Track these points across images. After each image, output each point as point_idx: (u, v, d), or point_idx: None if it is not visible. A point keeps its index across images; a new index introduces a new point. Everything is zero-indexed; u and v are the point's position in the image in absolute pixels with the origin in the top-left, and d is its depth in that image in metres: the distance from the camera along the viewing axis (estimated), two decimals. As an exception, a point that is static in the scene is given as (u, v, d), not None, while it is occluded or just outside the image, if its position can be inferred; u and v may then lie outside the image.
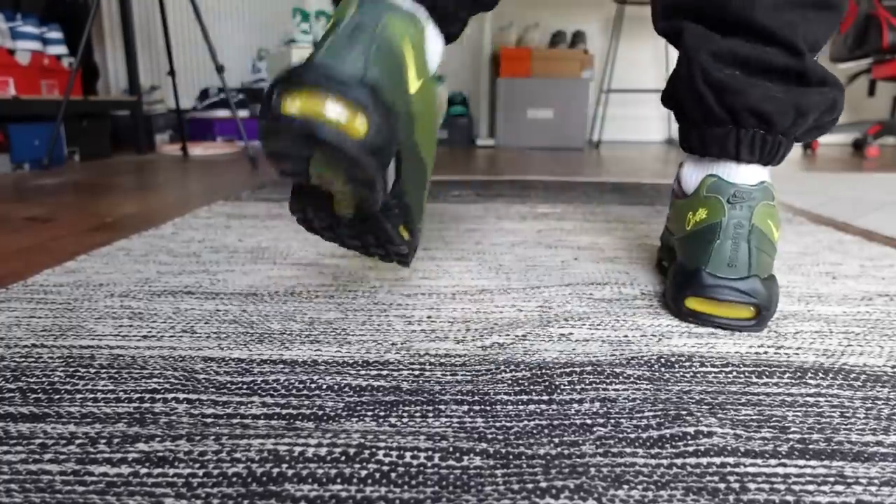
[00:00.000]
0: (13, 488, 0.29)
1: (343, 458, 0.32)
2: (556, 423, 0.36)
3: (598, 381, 0.41)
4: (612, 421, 0.36)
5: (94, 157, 2.00)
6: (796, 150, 2.63)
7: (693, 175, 0.59)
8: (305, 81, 0.38)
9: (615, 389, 0.40)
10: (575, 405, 0.38)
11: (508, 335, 0.49)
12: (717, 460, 0.32)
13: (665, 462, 0.32)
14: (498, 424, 0.35)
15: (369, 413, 0.37)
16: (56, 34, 1.94)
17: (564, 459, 0.32)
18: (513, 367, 0.43)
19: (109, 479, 0.30)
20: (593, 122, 2.92)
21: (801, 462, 0.32)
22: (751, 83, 0.53)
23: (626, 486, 0.30)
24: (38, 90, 1.85)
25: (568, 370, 0.42)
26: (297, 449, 0.33)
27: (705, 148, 0.57)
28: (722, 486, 0.30)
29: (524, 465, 0.31)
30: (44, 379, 0.40)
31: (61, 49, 1.96)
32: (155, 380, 0.41)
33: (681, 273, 0.53)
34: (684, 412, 0.37)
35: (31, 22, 1.83)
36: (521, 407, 0.37)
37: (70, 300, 0.56)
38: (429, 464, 0.31)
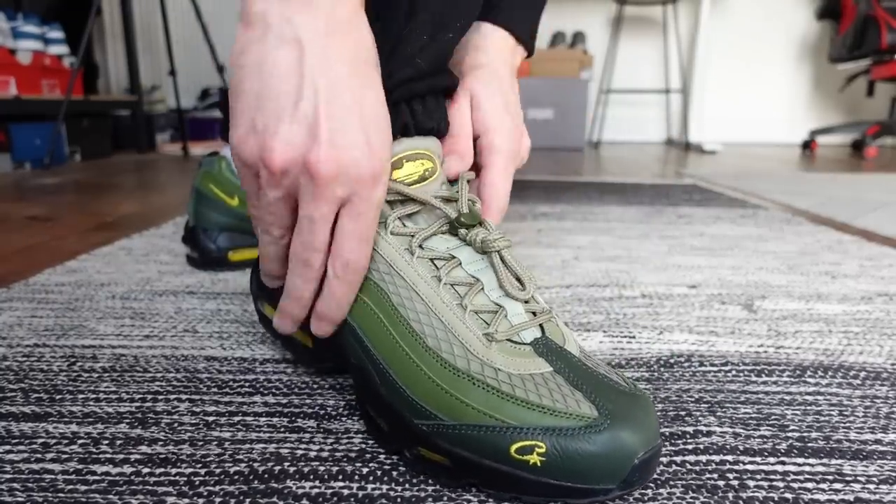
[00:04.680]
0: (16, 487, 0.29)
1: (344, 456, 0.32)
2: (556, 421, 0.36)
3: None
4: (612, 420, 0.36)
5: (95, 156, 2.00)
6: (796, 150, 2.63)
7: None
8: None
9: (615, 388, 0.40)
10: (575, 404, 0.38)
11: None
12: (717, 458, 0.32)
13: (664, 460, 0.32)
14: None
15: (370, 412, 0.37)
16: (57, 34, 1.94)
17: (564, 458, 0.32)
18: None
19: (112, 478, 0.30)
20: (593, 122, 2.92)
21: (800, 460, 0.32)
22: None
23: (625, 485, 0.30)
24: (39, 90, 1.85)
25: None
26: (299, 447, 0.33)
27: None
28: (721, 483, 0.30)
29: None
30: (46, 379, 0.41)
31: (62, 49, 1.96)
32: (157, 381, 0.41)
33: None
34: (683, 411, 0.37)
35: (32, 22, 1.83)
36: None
37: (72, 300, 0.56)
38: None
